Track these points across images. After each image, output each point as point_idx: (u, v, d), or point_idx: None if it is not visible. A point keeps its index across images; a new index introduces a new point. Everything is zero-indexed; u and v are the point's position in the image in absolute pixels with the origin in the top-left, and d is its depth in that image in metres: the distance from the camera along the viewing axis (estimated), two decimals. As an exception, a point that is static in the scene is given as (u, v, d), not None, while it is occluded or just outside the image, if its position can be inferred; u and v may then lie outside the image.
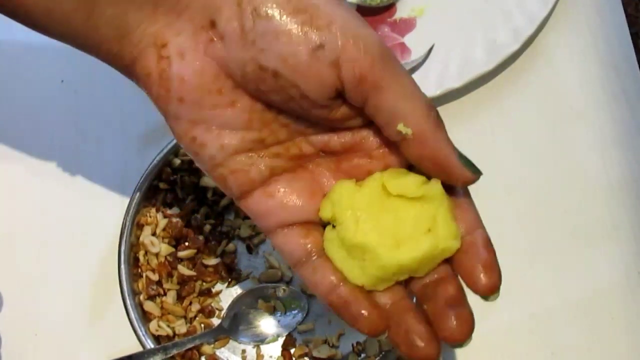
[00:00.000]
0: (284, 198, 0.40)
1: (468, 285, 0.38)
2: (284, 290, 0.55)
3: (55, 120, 0.61)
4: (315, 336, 0.54)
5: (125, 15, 0.38)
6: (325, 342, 0.54)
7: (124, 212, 0.55)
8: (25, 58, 0.61)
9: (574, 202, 0.59)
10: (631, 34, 0.63)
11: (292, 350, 0.54)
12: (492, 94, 0.62)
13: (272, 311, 0.55)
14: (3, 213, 0.59)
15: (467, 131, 0.61)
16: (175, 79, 0.38)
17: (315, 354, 0.54)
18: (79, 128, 0.61)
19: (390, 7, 0.64)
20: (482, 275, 0.38)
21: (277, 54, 0.36)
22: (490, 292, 0.37)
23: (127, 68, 0.39)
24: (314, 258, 0.40)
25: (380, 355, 0.53)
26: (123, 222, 0.54)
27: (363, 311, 0.39)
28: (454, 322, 0.37)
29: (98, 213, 0.58)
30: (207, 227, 0.56)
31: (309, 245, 0.40)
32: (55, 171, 0.60)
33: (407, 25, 0.64)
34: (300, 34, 0.36)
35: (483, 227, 0.39)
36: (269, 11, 0.36)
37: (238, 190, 0.41)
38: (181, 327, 0.54)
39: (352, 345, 0.54)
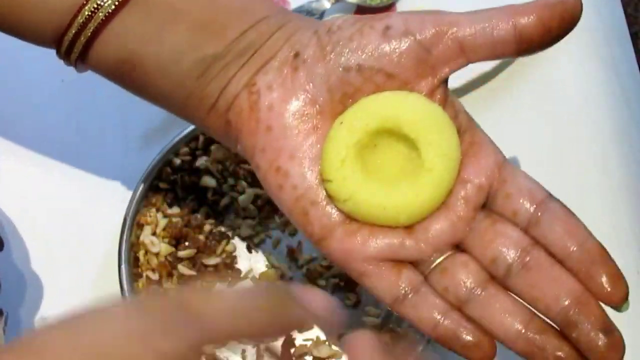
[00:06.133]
0: (368, 234, 0.41)
1: (599, 298, 0.40)
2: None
3: (55, 120, 0.61)
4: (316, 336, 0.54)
5: (229, 70, 0.43)
6: (326, 342, 0.54)
7: (124, 211, 0.55)
8: (25, 58, 0.61)
9: (574, 202, 0.59)
10: (631, 34, 0.63)
11: (292, 350, 0.54)
12: (491, 95, 0.62)
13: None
14: (3, 212, 0.59)
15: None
16: (264, 109, 0.42)
17: (315, 353, 0.53)
18: (79, 128, 0.61)
19: (390, 7, 0.64)
20: (609, 287, 0.40)
21: (354, 49, 0.41)
22: (622, 300, 0.40)
23: (221, 118, 0.44)
24: (411, 296, 0.41)
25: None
26: (123, 222, 0.55)
27: (473, 339, 0.40)
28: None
29: (98, 213, 0.58)
30: (207, 227, 0.56)
31: (403, 285, 0.41)
32: (55, 171, 0.60)
33: (407, 25, 0.64)
34: (367, 27, 0.42)
35: (594, 237, 0.41)
36: (338, 25, 0.42)
37: (319, 228, 0.41)
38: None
39: (352, 344, 0.54)
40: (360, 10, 0.64)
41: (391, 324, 0.54)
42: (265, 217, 0.57)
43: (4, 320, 0.52)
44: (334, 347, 0.54)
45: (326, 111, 0.42)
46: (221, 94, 0.43)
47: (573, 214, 0.42)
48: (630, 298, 0.56)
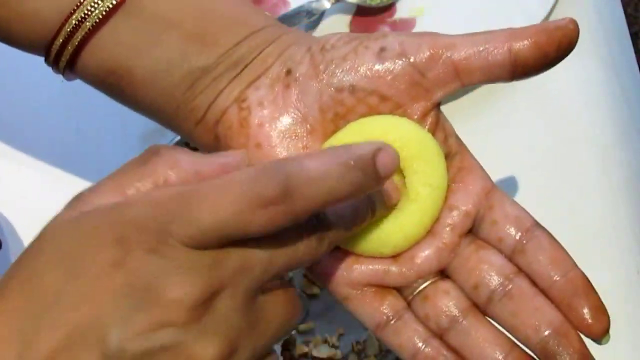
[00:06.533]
0: (353, 259, 0.41)
1: (580, 330, 0.39)
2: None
3: (55, 120, 0.61)
4: (315, 336, 0.54)
5: (219, 83, 0.42)
6: (325, 342, 0.54)
7: (124, 212, 0.55)
8: (25, 58, 0.61)
9: (574, 202, 0.59)
10: (631, 34, 0.63)
11: (292, 350, 0.54)
12: (491, 94, 0.62)
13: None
14: (1, 213, 0.59)
15: (465, 131, 0.60)
16: (254, 125, 0.42)
17: (315, 354, 0.53)
18: (79, 128, 0.61)
19: (390, 7, 0.64)
20: (590, 319, 0.39)
21: (348, 69, 0.41)
22: (603, 333, 0.39)
23: (209, 131, 0.43)
24: (393, 322, 0.40)
25: (381, 354, 0.53)
26: (123, 222, 0.54)
27: None
28: None
29: (97, 213, 0.58)
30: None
31: (386, 310, 0.41)
32: (55, 171, 0.60)
33: (407, 25, 0.64)
34: (362, 47, 0.41)
35: (578, 268, 0.40)
36: (332, 43, 0.42)
37: None
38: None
39: (352, 344, 0.54)
40: (360, 10, 0.64)
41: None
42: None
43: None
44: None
45: (317, 131, 0.42)
46: (210, 107, 0.43)
47: (558, 244, 0.41)
48: (630, 298, 0.56)
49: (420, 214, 0.40)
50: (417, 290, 0.41)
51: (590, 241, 0.57)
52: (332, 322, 0.55)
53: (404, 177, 0.41)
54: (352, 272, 0.41)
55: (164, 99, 0.44)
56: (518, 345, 0.40)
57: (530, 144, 0.61)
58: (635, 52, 0.63)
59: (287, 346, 0.54)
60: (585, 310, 0.40)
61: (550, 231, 0.42)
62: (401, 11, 0.64)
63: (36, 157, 0.60)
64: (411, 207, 0.40)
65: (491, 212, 0.41)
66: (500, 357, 0.40)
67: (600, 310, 0.40)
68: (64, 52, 0.44)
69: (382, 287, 0.41)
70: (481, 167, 0.43)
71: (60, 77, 0.61)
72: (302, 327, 0.55)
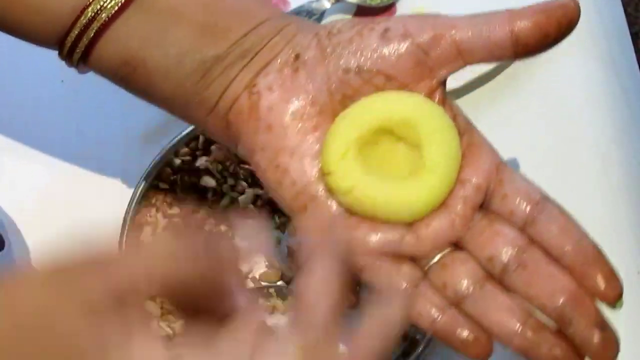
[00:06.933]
0: (368, 229, 0.42)
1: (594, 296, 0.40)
2: (284, 290, 0.55)
3: (55, 120, 0.61)
4: (316, 336, 0.54)
5: (230, 72, 0.43)
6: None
7: (124, 212, 0.55)
8: (25, 58, 0.61)
9: (574, 203, 0.59)
10: (631, 34, 0.63)
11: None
12: (491, 95, 0.62)
13: (272, 311, 0.55)
14: (5, 213, 0.59)
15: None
16: (264, 109, 0.43)
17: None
18: (79, 129, 0.61)
19: (390, 7, 0.64)
20: (603, 285, 0.40)
21: (354, 51, 0.42)
22: (616, 298, 0.40)
23: (221, 119, 0.44)
24: (410, 291, 0.41)
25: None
26: (123, 222, 0.54)
27: (471, 335, 0.40)
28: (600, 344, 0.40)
29: (97, 213, 0.58)
30: (207, 227, 0.56)
31: (402, 280, 0.41)
32: (55, 171, 0.60)
33: (407, 26, 0.64)
34: (366, 29, 0.42)
35: (589, 237, 0.41)
36: (338, 28, 0.43)
37: None
38: (181, 327, 0.54)
39: (352, 345, 0.54)
40: (361, 10, 0.64)
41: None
42: (264, 217, 0.57)
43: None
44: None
45: (326, 112, 0.43)
46: (222, 96, 0.44)
47: (568, 214, 0.42)
48: (630, 298, 0.56)
49: (439, 182, 0.41)
50: (433, 261, 0.42)
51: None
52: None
53: (420, 150, 0.42)
54: (367, 241, 0.41)
55: (176, 89, 0.44)
56: (535, 313, 0.41)
57: (530, 143, 0.61)
58: (635, 52, 0.63)
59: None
60: (599, 277, 0.41)
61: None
62: (401, 11, 0.64)
63: (37, 157, 0.60)
64: (430, 175, 0.42)
65: (501, 186, 0.42)
66: (517, 325, 0.40)
67: (612, 276, 0.41)
68: (79, 45, 0.44)
69: (398, 257, 0.42)
70: (489, 143, 0.44)
71: (60, 76, 0.61)
72: (302, 327, 0.55)
